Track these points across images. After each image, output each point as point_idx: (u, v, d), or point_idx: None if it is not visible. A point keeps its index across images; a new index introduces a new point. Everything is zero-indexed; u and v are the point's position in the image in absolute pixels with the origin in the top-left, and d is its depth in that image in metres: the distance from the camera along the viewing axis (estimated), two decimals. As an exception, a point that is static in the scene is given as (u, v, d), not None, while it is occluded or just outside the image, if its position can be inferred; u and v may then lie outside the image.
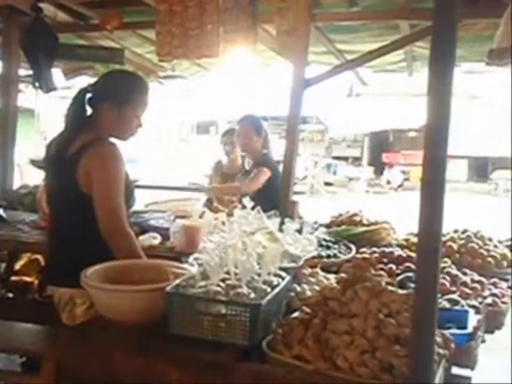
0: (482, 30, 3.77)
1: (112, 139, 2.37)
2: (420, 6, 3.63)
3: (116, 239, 2.19)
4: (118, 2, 4.09)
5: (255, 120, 4.25)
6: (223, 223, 2.56)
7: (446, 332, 1.75)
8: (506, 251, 2.87)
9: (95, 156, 2.22)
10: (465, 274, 2.51)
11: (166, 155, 20.70)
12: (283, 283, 1.88)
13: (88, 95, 2.38)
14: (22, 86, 5.37)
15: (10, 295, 3.80)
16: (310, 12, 3.43)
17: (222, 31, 3.50)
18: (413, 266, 2.42)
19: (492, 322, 2.19)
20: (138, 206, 3.90)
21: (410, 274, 2.34)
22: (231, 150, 4.62)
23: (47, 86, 4.25)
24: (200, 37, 3.48)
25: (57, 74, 5.06)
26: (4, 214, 3.57)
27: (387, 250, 2.79)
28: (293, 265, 2.17)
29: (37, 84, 4.36)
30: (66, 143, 2.31)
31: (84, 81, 5.64)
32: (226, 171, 4.67)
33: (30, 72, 4.50)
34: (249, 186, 3.99)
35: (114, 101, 2.33)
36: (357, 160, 22.82)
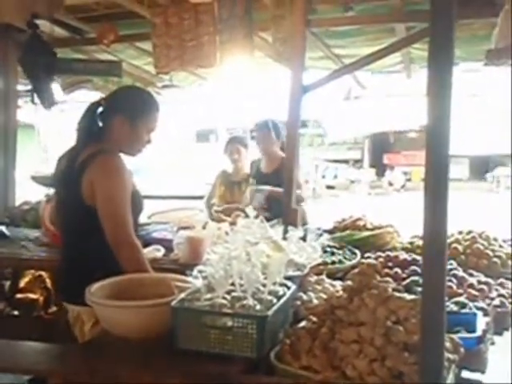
0: (478, 29, 3.78)
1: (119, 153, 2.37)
2: (415, 9, 3.64)
3: (123, 251, 2.17)
4: (114, 16, 4.11)
5: (274, 124, 4.26)
6: (227, 233, 2.56)
7: (455, 336, 1.74)
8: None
9: (97, 167, 2.21)
10: (471, 275, 2.49)
11: (167, 164, 20.72)
12: (289, 293, 1.87)
13: (100, 108, 2.38)
14: (20, 101, 5.38)
15: (16, 313, 3.79)
16: (306, 18, 3.42)
17: (219, 41, 3.51)
18: (419, 270, 2.41)
19: (501, 324, 2.17)
20: (140, 217, 3.92)
21: (417, 278, 2.33)
22: (238, 158, 4.59)
23: (48, 102, 4.26)
24: (197, 48, 3.50)
25: (55, 88, 5.08)
26: (7, 232, 3.57)
27: (392, 254, 2.77)
28: (298, 273, 2.16)
29: (36, 99, 4.38)
30: (74, 156, 2.31)
31: (82, 94, 5.66)
32: (232, 179, 4.65)
33: (29, 87, 4.52)
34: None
35: (126, 115, 2.33)
36: (358, 162, 22.81)
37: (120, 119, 2.33)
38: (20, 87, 4.87)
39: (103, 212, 2.19)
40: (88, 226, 2.25)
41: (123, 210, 2.21)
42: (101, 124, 2.38)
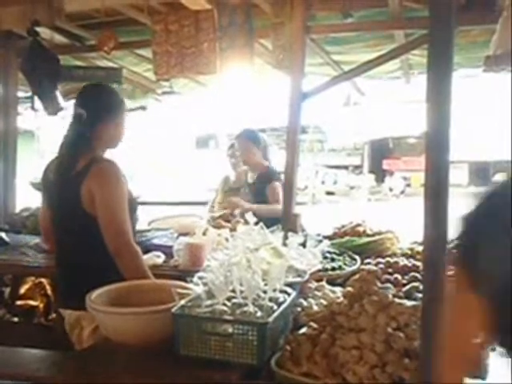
0: (477, 36, 3.79)
1: (106, 155, 2.44)
2: (415, 15, 3.65)
3: (123, 257, 2.20)
4: (114, 23, 4.12)
5: (252, 133, 4.32)
6: (227, 240, 2.56)
7: (456, 343, 1.73)
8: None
9: (96, 175, 2.26)
10: (471, 281, 2.49)
11: (166, 170, 20.72)
12: (289, 299, 1.87)
13: (81, 116, 2.40)
14: (20, 107, 5.39)
15: (16, 319, 3.78)
16: (305, 25, 3.44)
17: (219, 48, 3.51)
18: (419, 276, 2.40)
19: (501, 330, 2.17)
20: (140, 223, 3.92)
21: (417, 284, 2.32)
22: (237, 163, 4.62)
23: (53, 108, 4.25)
24: (196, 55, 3.51)
25: (59, 94, 5.08)
26: (7, 238, 3.56)
27: (392, 260, 2.77)
28: (298, 279, 2.16)
29: (36, 106, 4.38)
30: (69, 164, 2.33)
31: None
32: (232, 185, 4.67)
33: (29, 94, 4.52)
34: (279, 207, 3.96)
35: (107, 119, 2.41)
36: (357, 168, 22.81)
37: (103, 125, 2.40)
38: (20, 93, 4.89)
39: (103, 220, 2.22)
40: (87, 233, 2.27)
41: (122, 218, 2.24)
42: (85, 131, 2.40)
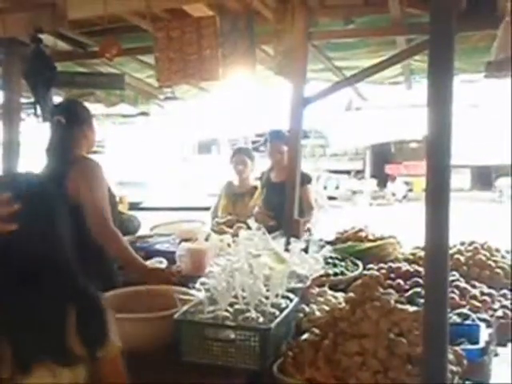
0: (479, 41, 3.79)
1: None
2: (416, 21, 3.65)
3: (107, 239, 2.50)
4: (117, 29, 4.14)
5: (284, 134, 4.14)
6: (229, 245, 2.56)
7: (458, 348, 1.74)
8: (514, 262, 2.85)
9: (82, 170, 2.58)
10: (474, 286, 2.49)
11: (169, 176, 20.72)
12: (291, 305, 1.87)
13: (60, 122, 2.71)
14: (23, 114, 5.40)
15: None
16: (307, 31, 3.45)
17: (221, 55, 3.52)
18: (421, 281, 2.41)
19: (504, 335, 2.17)
20: (142, 229, 3.93)
21: (419, 289, 2.32)
22: (243, 170, 4.57)
23: (47, 115, 4.27)
24: (199, 61, 3.51)
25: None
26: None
27: (394, 265, 2.77)
28: (300, 285, 2.16)
29: (38, 113, 4.39)
30: (55, 164, 2.64)
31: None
32: (235, 191, 4.63)
33: (31, 100, 4.53)
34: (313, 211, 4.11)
35: (83, 128, 2.76)
36: (359, 173, 22.79)
37: (84, 131, 2.75)
38: (23, 100, 4.90)
39: (90, 207, 2.51)
40: (73, 224, 2.37)
41: (105, 205, 2.55)
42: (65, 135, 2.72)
